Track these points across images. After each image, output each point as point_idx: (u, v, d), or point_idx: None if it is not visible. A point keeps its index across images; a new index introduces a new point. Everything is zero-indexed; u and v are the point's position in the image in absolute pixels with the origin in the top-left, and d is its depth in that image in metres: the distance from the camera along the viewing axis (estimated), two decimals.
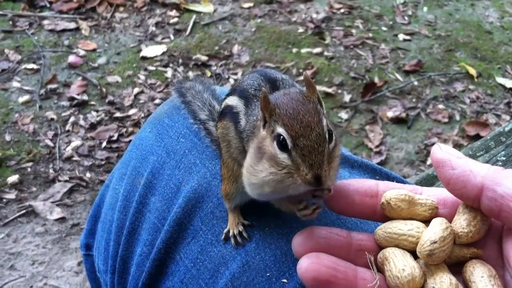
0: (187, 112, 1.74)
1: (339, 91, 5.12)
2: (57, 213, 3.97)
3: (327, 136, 1.16)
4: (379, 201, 1.22)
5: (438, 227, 1.13)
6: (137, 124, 4.62)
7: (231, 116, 1.38)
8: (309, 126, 1.14)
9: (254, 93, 1.35)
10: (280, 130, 1.15)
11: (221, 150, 1.48)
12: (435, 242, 1.10)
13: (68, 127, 4.60)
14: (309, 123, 1.15)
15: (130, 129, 4.59)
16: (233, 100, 1.40)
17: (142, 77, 5.13)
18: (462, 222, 1.15)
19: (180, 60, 5.35)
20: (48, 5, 5.87)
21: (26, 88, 4.92)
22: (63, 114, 4.71)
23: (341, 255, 1.13)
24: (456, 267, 1.14)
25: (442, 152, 1.15)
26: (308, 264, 1.08)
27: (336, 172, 1.23)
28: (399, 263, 1.11)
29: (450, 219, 1.18)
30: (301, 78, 5.19)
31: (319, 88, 5.10)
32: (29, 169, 4.24)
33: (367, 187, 1.24)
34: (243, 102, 1.36)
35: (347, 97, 5.04)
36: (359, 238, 1.21)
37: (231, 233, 1.49)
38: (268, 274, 1.41)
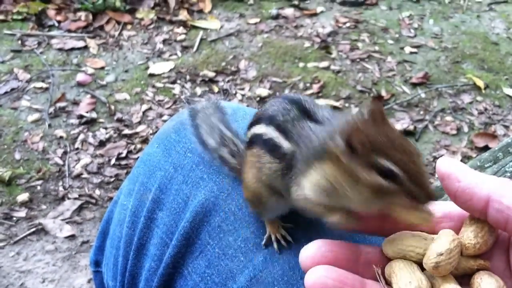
0: (196, 139, 1.72)
1: (347, 104, 5.13)
2: (67, 230, 3.98)
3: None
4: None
5: (445, 239, 1.12)
6: (145, 141, 4.64)
7: (263, 143, 1.37)
8: (405, 151, 1.15)
9: (284, 119, 1.35)
10: (384, 162, 1.14)
11: (244, 176, 1.48)
12: (441, 254, 1.10)
13: (77, 144, 4.63)
14: (404, 147, 1.16)
15: (139, 145, 4.61)
16: (260, 129, 1.39)
17: (150, 94, 5.16)
18: (469, 234, 1.14)
19: (188, 77, 5.38)
20: (56, 24, 5.93)
21: (35, 106, 4.96)
22: (72, 132, 4.74)
23: (349, 268, 1.13)
24: (464, 279, 1.14)
25: (448, 164, 1.15)
26: (316, 278, 1.07)
27: None
28: (406, 276, 1.11)
29: (456, 232, 1.18)
30: (309, 92, 5.20)
31: (326, 102, 5.11)
32: (38, 187, 4.26)
33: None
34: (273, 128, 1.35)
35: (354, 111, 5.04)
36: (367, 250, 1.20)
37: (273, 238, 1.49)
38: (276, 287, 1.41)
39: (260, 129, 1.40)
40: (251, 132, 1.45)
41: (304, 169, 1.28)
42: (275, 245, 1.48)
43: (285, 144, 1.32)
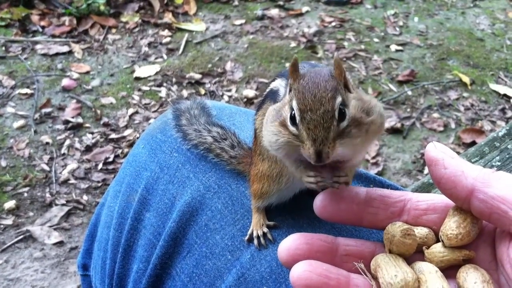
0: (183, 139, 1.71)
1: None
2: (55, 237, 3.94)
3: (336, 114, 1.13)
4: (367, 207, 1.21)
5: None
6: (132, 145, 4.59)
7: (271, 96, 1.38)
8: (319, 101, 1.13)
9: None
10: (293, 102, 1.16)
11: (261, 149, 1.44)
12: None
13: (63, 150, 4.59)
14: (320, 99, 1.14)
15: (126, 149, 4.58)
16: (275, 83, 1.41)
17: (136, 98, 5.14)
18: (451, 224, 1.14)
19: (174, 79, 5.36)
20: (40, 29, 5.90)
21: (21, 113, 4.92)
22: (58, 137, 4.71)
23: (325, 260, 1.12)
24: (450, 271, 1.14)
25: (436, 150, 1.14)
26: (300, 272, 1.07)
27: (354, 150, 1.20)
28: (391, 270, 1.10)
29: (440, 223, 1.18)
30: None
31: None
32: (25, 194, 4.22)
33: (354, 194, 1.23)
34: (284, 79, 1.36)
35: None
36: (346, 243, 1.19)
37: (254, 234, 1.47)
38: (264, 286, 1.39)
39: (274, 83, 1.41)
40: (267, 90, 1.45)
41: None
42: (255, 241, 1.47)
43: (281, 92, 1.33)
